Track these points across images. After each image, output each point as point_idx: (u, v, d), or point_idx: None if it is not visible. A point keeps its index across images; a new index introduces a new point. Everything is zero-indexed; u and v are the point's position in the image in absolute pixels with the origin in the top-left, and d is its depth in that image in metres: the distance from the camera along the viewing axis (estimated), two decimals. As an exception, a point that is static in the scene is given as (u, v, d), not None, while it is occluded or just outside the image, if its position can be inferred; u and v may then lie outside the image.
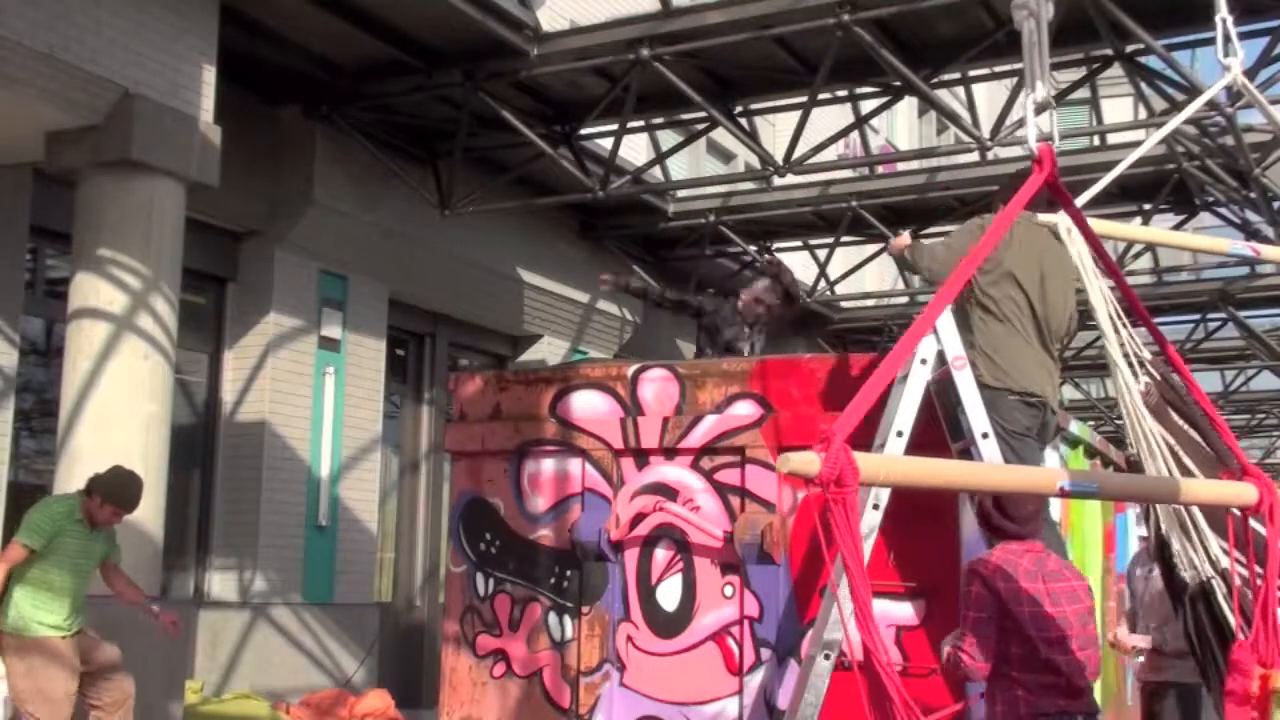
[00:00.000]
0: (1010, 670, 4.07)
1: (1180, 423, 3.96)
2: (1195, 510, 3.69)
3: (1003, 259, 5.05)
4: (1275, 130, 4.19)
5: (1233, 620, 3.46)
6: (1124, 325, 4.02)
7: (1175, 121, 3.98)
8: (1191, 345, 17.86)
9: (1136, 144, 12.70)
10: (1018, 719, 4.04)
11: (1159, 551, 3.70)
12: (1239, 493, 2.83)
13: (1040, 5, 3.48)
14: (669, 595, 5.73)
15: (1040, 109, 3.48)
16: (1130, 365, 3.96)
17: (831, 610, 4.84)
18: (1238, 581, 3.52)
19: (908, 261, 5.44)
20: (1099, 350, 19.24)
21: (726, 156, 18.24)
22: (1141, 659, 6.43)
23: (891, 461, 2.54)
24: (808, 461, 2.41)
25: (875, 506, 4.89)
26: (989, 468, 2.98)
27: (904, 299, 17.09)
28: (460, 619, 6.22)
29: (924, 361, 4.98)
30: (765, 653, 5.48)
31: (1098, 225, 4.60)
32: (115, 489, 6.33)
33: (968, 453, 4.87)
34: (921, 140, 24.76)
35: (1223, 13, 3.51)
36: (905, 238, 5.51)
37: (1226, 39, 3.56)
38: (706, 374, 5.85)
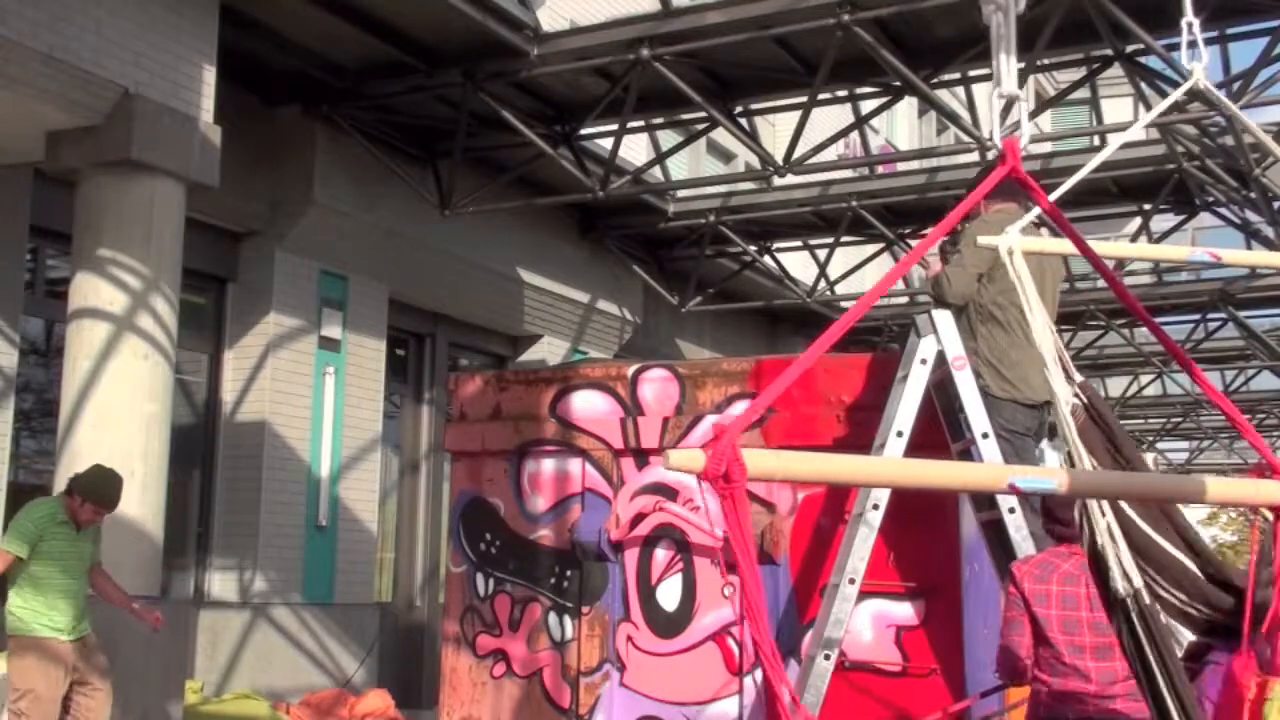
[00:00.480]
0: (1038, 671, 4.06)
1: (1104, 445, 4.02)
2: (1115, 521, 3.72)
3: (1040, 264, 5.09)
4: (1246, 131, 4.20)
5: (1144, 639, 3.47)
6: (1061, 348, 4.08)
7: (1130, 132, 3.95)
8: (1191, 345, 17.85)
9: (1136, 144, 12.73)
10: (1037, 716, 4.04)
11: (1094, 562, 3.72)
12: (1267, 492, 2.69)
13: (1011, 1, 3.51)
14: (669, 595, 5.73)
15: (1007, 106, 3.49)
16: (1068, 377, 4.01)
17: (831, 610, 4.84)
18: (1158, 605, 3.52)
19: (936, 294, 5.35)
20: (1099, 350, 19.29)
21: (726, 156, 18.24)
22: None
23: (785, 457, 2.51)
24: (691, 458, 2.41)
25: (875, 507, 4.90)
26: (896, 463, 2.91)
27: (904, 299, 17.09)
28: (460, 619, 6.22)
29: (924, 362, 4.98)
30: (765, 653, 5.47)
31: (1045, 244, 4.65)
32: (94, 487, 6.36)
33: (968, 453, 4.87)
34: (921, 140, 24.74)
35: (1189, 17, 3.51)
36: (936, 265, 5.47)
37: (1192, 44, 3.57)
38: (706, 374, 5.86)
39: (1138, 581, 3.54)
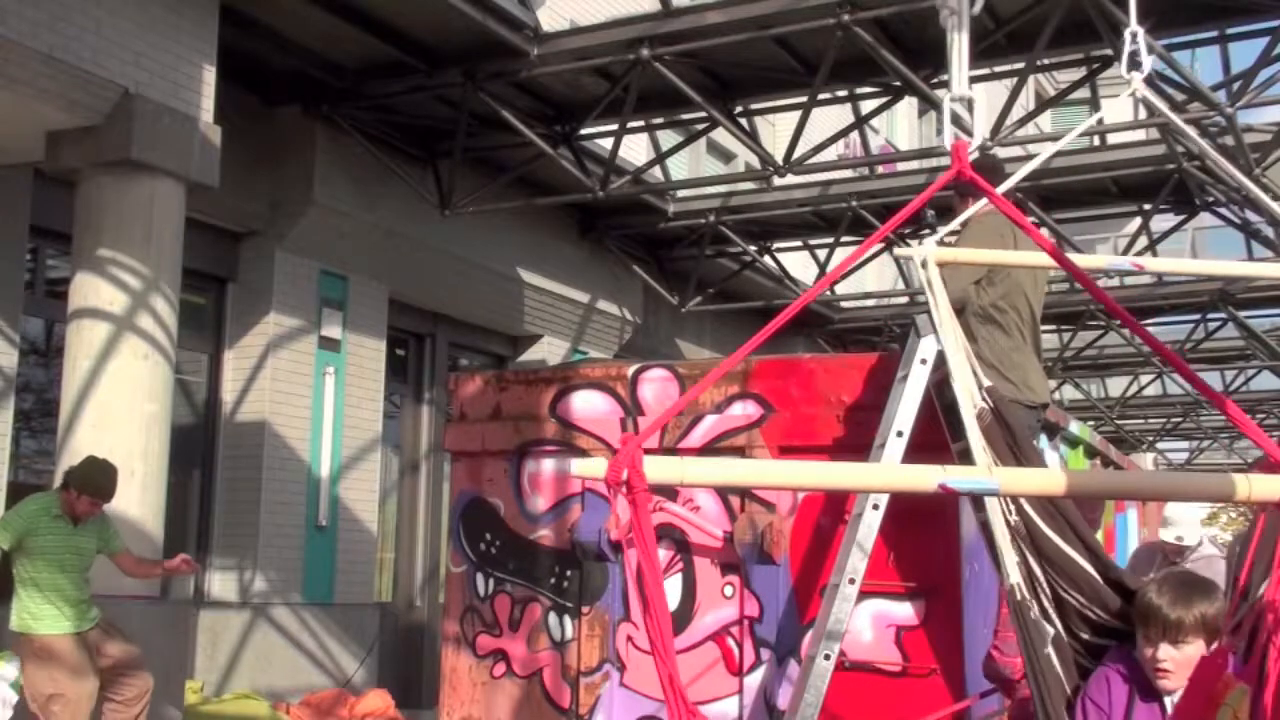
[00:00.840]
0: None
1: (1008, 448, 4.10)
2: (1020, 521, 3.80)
3: (1012, 270, 5.09)
4: (1183, 136, 4.24)
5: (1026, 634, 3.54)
6: (969, 356, 4.15)
7: (1066, 140, 3.94)
8: (1191, 345, 17.86)
9: (1136, 144, 12.73)
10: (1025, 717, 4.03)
11: (991, 552, 3.79)
12: (1262, 488, 2.66)
13: (963, 4, 3.54)
14: (669, 595, 5.73)
15: (954, 121, 3.53)
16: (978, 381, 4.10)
17: (831, 610, 4.84)
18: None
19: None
20: (1099, 350, 19.29)
21: (726, 156, 18.24)
22: None
23: (687, 464, 2.59)
24: (593, 466, 2.52)
25: (875, 507, 4.90)
26: (806, 467, 2.93)
27: (904, 299, 17.09)
28: (460, 619, 6.22)
29: (924, 361, 4.97)
30: (765, 653, 5.48)
31: (960, 254, 4.70)
32: (87, 478, 6.37)
33: (969, 453, 4.87)
34: (921, 140, 24.75)
35: (1133, 26, 3.52)
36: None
37: (1134, 55, 3.58)
38: (706, 374, 5.85)
39: (1014, 578, 3.60)
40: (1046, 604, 3.68)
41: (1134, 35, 3.54)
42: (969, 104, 3.63)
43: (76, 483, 6.36)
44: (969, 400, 3.99)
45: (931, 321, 4.87)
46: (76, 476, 6.40)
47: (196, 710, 8.65)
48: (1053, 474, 3.33)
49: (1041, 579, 3.70)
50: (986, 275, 5.22)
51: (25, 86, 7.37)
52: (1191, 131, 4.31)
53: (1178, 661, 3.40)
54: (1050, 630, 3.63)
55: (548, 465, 6.09)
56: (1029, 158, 13.17)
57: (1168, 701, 3.42)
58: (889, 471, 3.52)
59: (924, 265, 4.05)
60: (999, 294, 5.15)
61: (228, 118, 8.59)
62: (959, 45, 3.50)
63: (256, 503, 10.33)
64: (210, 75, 8.32)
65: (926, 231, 13.22)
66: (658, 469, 2.53)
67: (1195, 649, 3.39)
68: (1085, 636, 3.68)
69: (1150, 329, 22.07)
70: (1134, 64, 3.55)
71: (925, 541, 5.20)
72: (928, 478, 2.56)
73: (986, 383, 4.20)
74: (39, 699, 6.18)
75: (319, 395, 10.91)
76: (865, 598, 5.00)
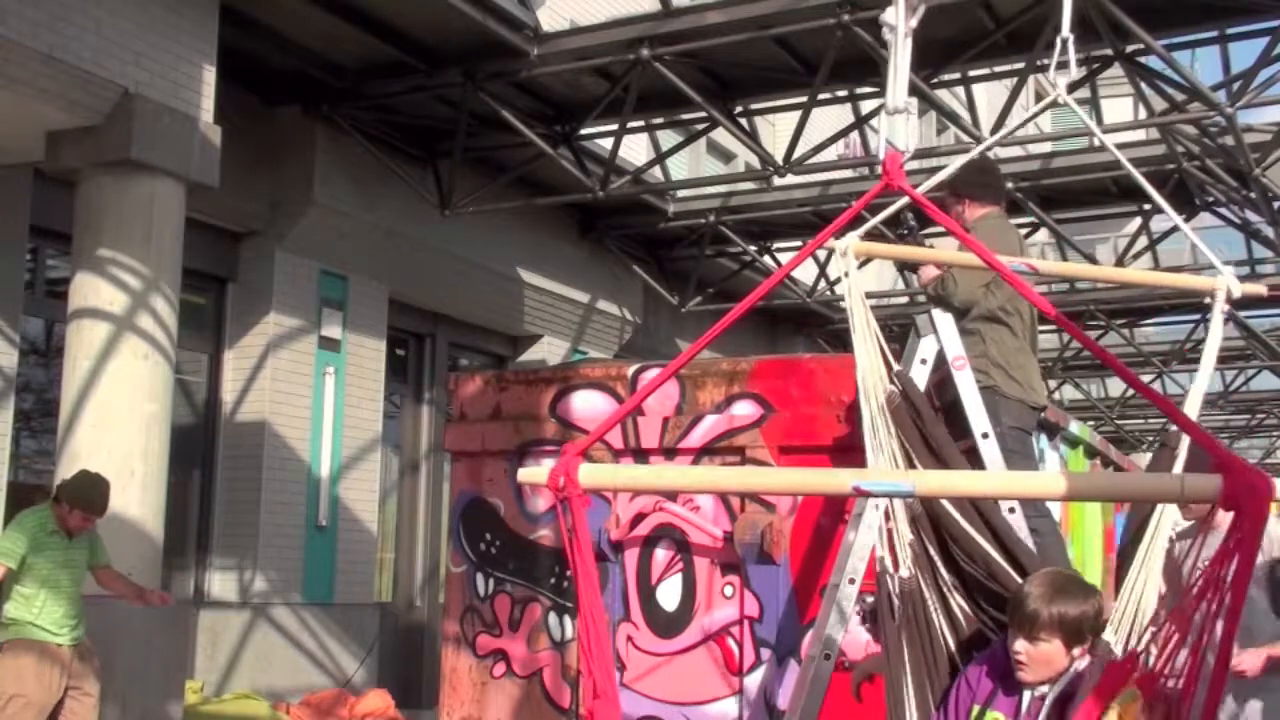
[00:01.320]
0: None
1: (917, 433, 4.16)
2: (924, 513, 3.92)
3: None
4: (1110, 152, 4.28)
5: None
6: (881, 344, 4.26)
7: (991, 141, 3.94)
8: (1192, 345, 17.86)
9: (1136, 144, 12.73)
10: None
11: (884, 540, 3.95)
12: (1194, 488, 2.58)
13: (901, 21, 3.60)
14: (669, 595, 5.73)
15: (892, 133, 3.57)
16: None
17: (832, 610, 4.84)
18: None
19: (939, 295, 5.36)
20: (1099, 350, 19.08)
21: (726, 156, 18.24)
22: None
23: (618, 470, 2.86)
24: (536, 474, 2.90)
25: (876, 507, 4.89)
26: (718, 473, 3.19)
27: (904, 299, 17.09)
28: (460, 619, 6.22)
29: (924, 362, 4.97)
30: (765, 653, 5.48)
31: (878, 248, 4.77)
32: (79, 493, 6.33)
33: (970, 453, 4.87)
34: (921, 140, 24.75)
35: (1064, 32, 3.55)
36: (931, 270, 5.49)
37: (1063, 64, 3.61)
38: (706, 374, 5.85)
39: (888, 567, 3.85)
40: (945, 586, 3.77)
41: (1064, 42, 3.56)
42: (909, 115, 3.69)
43: (69, 497, 6.33)
44: (877, 384, 4.08)
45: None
46: (69, 491, 6.36)
47: (197, 710, 8.65)
48: (967, 476, 3.35)
49: (938, 558, 3.78)
50: (994, 278, 5.23)
51: (25, 86, 7.38)
52: (1108, 141, 4.36)
53: (1032, 656, 3.40)
54: (937, 612, 3.74)
55: (548, 465, 6.09)
56: (1029, 158, 13.19)
57: (1026, 695, 3.43)
58: (804, 475, 3.57)
59: (843, 255, 4.13)
60: (1006, 296, 5.18)
61: (228, 118, 8.59)
62: (895, 60, 3.56)
63: (256, 503, 10.32)
64: (210, 75, 8.32)
65: (905, 232, 13.24)
66: (591, 476, 2.85)
67: (1051, 647, 3.39)
68: (995, 614, 3.73)
69: (1150, 329, 22.03)
70: (1062, 67, 3.59)
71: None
72: (842, 480, 2.59)
73: (897, 367, 4.28)
74: (1, 696, 6.16)
75: (319, 395, 10.91)
76: (865, 598, 4.99)
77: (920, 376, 4.99)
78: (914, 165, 13.93)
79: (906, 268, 5.86)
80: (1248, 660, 4.97)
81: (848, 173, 14.55)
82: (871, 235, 4.28)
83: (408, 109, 10.87)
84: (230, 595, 10.24)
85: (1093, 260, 14.42)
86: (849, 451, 5.29)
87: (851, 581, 4.84)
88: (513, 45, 9.64)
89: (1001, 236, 5.26)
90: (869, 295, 18.90)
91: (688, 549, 5.71)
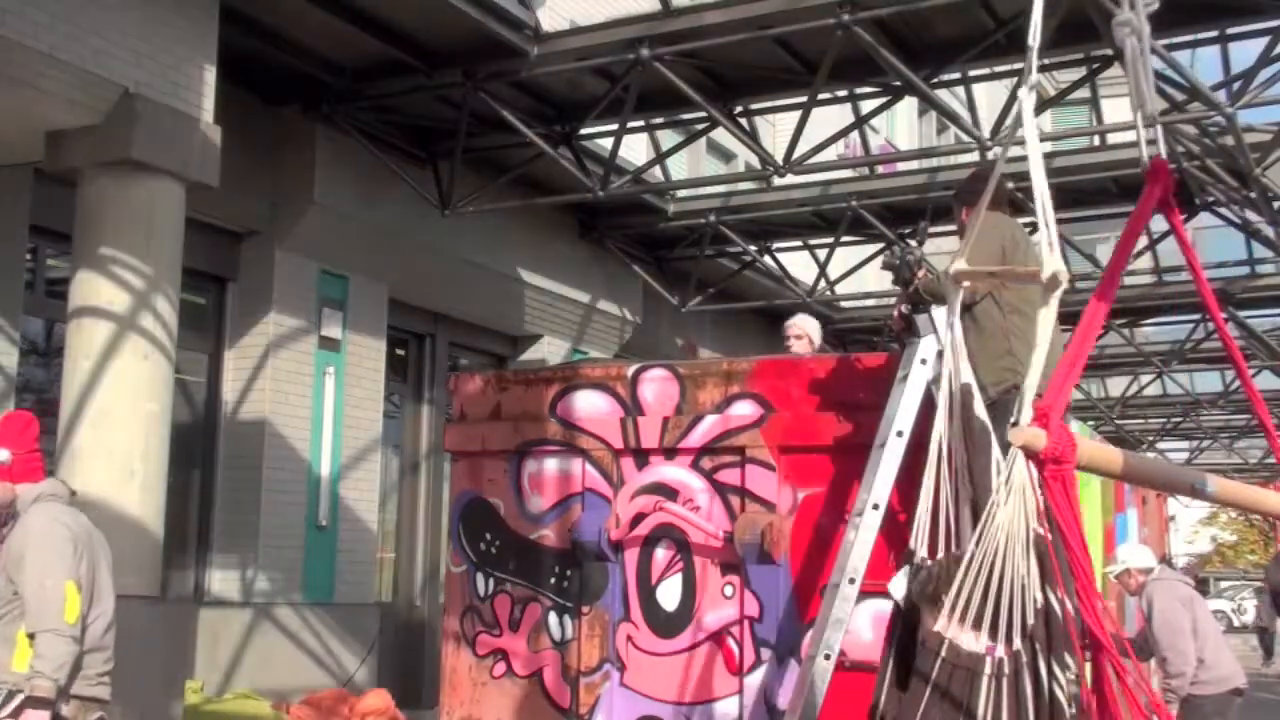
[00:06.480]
0: None
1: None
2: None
3: (1026, 260, 5.12)
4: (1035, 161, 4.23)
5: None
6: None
7: (912, 150, 3.95)
8: (1192, 345, 17.86)
9: (1136, 144, 12.71)
10: None
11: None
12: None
13: (1143, 22, 3.48)
14: (669, 595, 5.74)
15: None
16: None
17: (832, 610, 4.84)
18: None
19: (932, 291, 5.33)
20: (1099, 350, 19.20)
21: (726, 156, 18.25)
22: None
23: (1110, 452, 2.59)
24: (1033, 436, 2.57)
25: (875, 506, 4.90)
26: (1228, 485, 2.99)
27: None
28: (460, 619, 6.22)
29: (924, 361, 4.98)
30: (765, 653, 5.48)
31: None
32: None
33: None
34: (921, 140, 24.76)
35: (1033, 39, 3.53)
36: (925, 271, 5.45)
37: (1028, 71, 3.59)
38: (706, 374, 5.86)
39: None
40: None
41: (1031, 49, 3.54)
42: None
43: None
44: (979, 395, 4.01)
45: (931, 321, 4.87)
46: None
47: (197, 710, 8.65)
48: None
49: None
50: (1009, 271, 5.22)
51: (26, 86, 7.38)
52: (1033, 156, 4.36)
53: None
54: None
55: (548, 465, 6.09)
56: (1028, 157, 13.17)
57: None
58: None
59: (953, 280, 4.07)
60: (1019, 289, 5.14)
61: (228, 118, 8.59)
62: (1144, 63, 3.40)
63: (256, 503, 10.33)
64: (210, 75, 8.32)
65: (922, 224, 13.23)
66: (1092, 451, 2.54)
67: None
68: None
69: (1150, 329, 22.08)
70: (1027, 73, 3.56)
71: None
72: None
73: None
74: None
75: (319, 395, 10.92)
76: (865, 598, 5.00)
77: (920, 376, 4.99)
78: (913, 165, 13.97)
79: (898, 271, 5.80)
80: None
81: (848, 172, 14.55)
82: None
83: (408, 109, 10.87)
84: (231, 595, 10.24)
85: (1093, 260, 14.44)
86: (849, 451, 5.30)
87: (851, 581, 4.84)
88: (513, 45, 9.64)
89: (983, 235, 5.23)
90: (868, 295, 18.92)
91: (688, 549, 5.71)
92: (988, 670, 3.68)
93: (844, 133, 11.64)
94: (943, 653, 3.72)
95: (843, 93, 11.12)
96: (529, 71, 10.00)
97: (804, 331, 7.85)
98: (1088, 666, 3.23)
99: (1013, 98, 10.13)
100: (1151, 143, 3.31)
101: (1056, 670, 3.72)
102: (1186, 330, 17.67)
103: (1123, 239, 3.37)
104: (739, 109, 11.12)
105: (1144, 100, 3.38)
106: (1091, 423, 22.10)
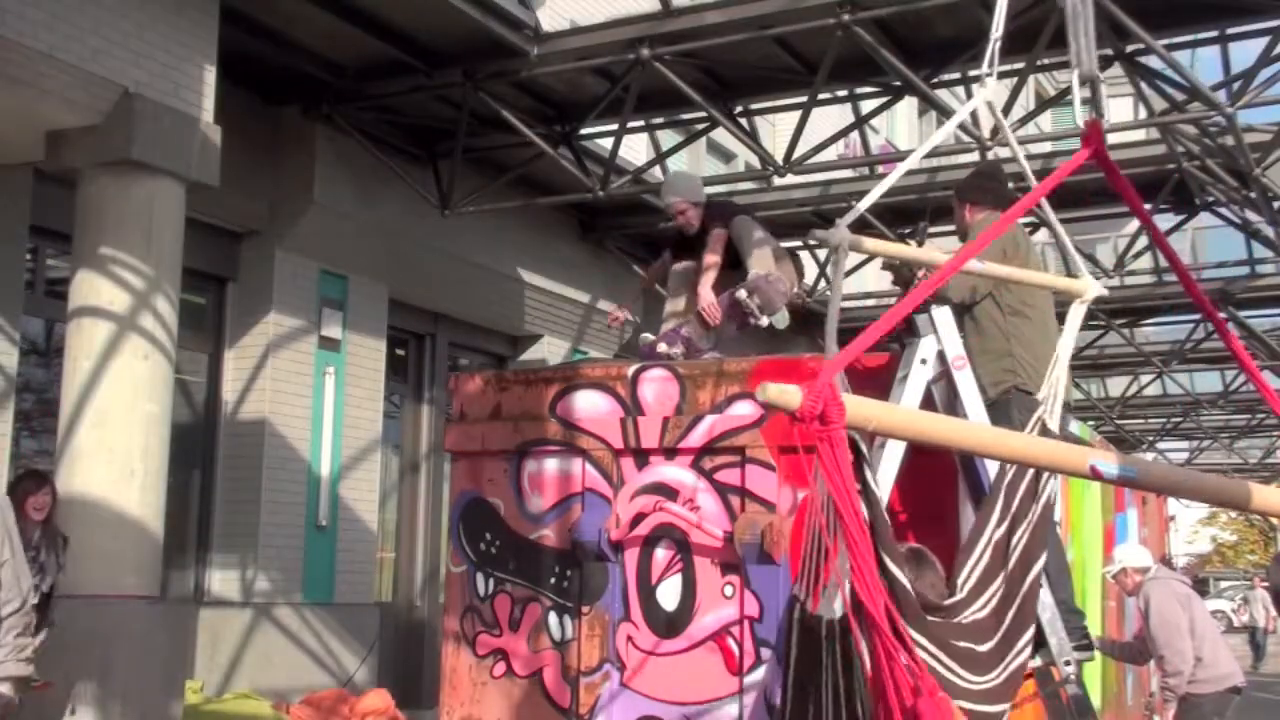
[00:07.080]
0: None
1: None
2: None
3: (1027, 262, 5.13)
4: (1020, 165, 4.20)
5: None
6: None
7: (930, 143, 3.86)
8: (1192, 345, 17.87)
9: (1136, 144, 12.73)
10: None
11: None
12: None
13: None
14: (669, 595, 5.73)
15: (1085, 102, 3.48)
16: None
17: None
18: None
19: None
20: (1099, 350, 19.30)
21: (726, 156, 18.24)
22: None
23: (889, 409, 2.33)
24: (784, 393, 2.27)
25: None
26: (1010, 436, 2.89)
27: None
28: (460, 619, 6.22)
29: (924, 361, 4.97)
30: (765, 653, 5.47)
31: (880, 245, 4.75)
32: None
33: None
34: (921, 140, 24.73)
35: (997, 33, 3.51)
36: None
37: (992, 61, 3.58)
38: (706, 374, 5.85)
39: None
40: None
41: (994, 42, 3.53)
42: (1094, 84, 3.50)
43: None
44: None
45: (931, 321, 4.87)
46: None
47: (197, 710, 8.65)
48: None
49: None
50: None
51: (25, 86, 7.38)
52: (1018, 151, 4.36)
53: None
54: None
55: (548, 465, 6.09)
56: (1029, 157, 13.18)
57: None
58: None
59: (836, 250, 4.02)
60: (1018, 289, 5.17)
61: (228, 118, 8.59)
62: (1085, 22, 3.36)
63: (256, 503, 10.33)
64: (210, 75, 8.32)
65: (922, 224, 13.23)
66: (858, 407, 2.25)
67: None
68: None
69: (1150, 329, 22.09)
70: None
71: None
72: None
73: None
74: None
75: (319, 395, 10.92)
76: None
77: (920, 376, 4.99)
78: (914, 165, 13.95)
79: (899, 271, 5.81)
80: None
81: (848, 173, 14.55)
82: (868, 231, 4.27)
83: (408, 109, 10.87)
84: (230, 595, 10.24)
85: (1093, 260, 14.44)
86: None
87: (851, 581, 4.83)
88: (513, 45, 9.64)
89: (1007, 236, 5.25)
90: (868, 295, 18.97)
91: (688, 549, 5.71)
92: (824, 634, 3.78)
93: (844, 133, 11.65)
94: (796, 614, 3.81)
95: (843, 93, 11.12)
96: (529, 71, 10.00)
97: (683, 205, 7.65)
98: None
99: (1013, 98, 10.15)
100: (1086, 102, 3.25)
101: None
102: (1186, 330, 17.67)
103: (1043, 184, 3.31)
104: (739, 109, 11.12)
105: (1081, 60, 3.34)
106: (1091, 423, 22.09)
